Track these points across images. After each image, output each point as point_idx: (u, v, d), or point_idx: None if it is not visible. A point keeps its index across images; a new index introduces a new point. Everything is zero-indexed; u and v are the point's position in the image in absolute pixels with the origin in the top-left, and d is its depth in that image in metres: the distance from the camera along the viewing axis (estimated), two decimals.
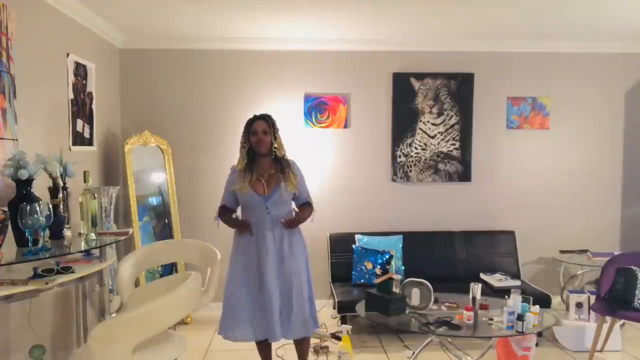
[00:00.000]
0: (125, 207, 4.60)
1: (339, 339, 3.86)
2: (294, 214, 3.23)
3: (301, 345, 3.30)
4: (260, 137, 3.14)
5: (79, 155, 3.75)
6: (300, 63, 4.93)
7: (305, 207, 3.28)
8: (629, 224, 5.20)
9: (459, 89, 5.01)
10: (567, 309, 4.25)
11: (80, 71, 3.91)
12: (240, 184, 3.12)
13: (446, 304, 3.53)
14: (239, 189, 3.12)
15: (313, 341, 3.88)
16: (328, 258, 4.77)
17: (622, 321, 4.09)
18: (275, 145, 3.17)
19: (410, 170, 5.04)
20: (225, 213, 3.27)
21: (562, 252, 4.93)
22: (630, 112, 5.15)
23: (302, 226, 3.27)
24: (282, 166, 3.18)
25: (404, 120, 5.01)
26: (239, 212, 3.31)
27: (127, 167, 4.42)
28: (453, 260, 4.82)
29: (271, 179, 3.15)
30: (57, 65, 3.59)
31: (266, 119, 3.19)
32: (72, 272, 2.52)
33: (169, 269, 4.59)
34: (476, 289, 3.43)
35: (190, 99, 4.91)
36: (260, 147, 3.14)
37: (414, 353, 3.64)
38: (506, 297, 3.31)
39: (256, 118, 3.21)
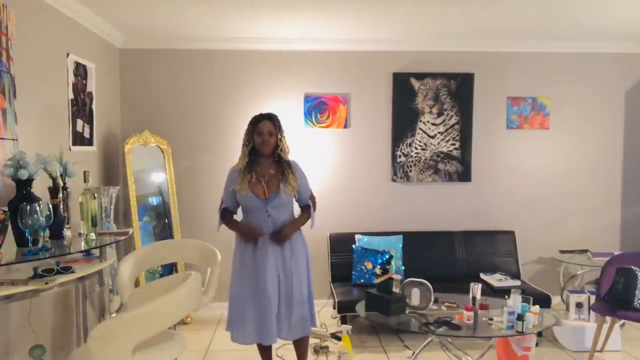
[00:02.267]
0: (125, 207, 4.60)
1: (339, 339, 3.86)
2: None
3: (300, 346, 3.30)
4: (265, 138, 3.10)
5: (79, 155, 3.76)
6: (300, 63, 4.93)
7: (303, 213, 3.27)
8: (629, 224, 5.20)
9: (459, 89, 5.01)
10: (567, 309, 4.25)
11: (80, 71, 3.91)
12: (240, 185, 3.09)
13: (446, 304, 3.53)
14: (239, 189, 3.09)
15: (313, 341, 3.89)
16: (328, 258, 4.77)
17: (622, 321, 4.09)
18: (280, 148, 3.14)
19: (410, 170, 5.04)
20: (227, 217, 3.25)
21: (562, 252, 4.93)
22: (630, 112, 5.15)
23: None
24: (282, 167, 3.15)
25: (404, 120, 5.01)
26: (239, 214, 3.29)
27: (127, 167, 4.42)
28: (453, 260, 4.82)
29: (272, 181, 3.12)
30: (57, 65, 3.59)
31: (272, 119, 3.15)
32: (72, 272, 2.52)
33: (169, 269, 4.59)
34: (476, 289, 3.43)
35: (190, 99, 4.91)
36: (264, 148, 3.11)
37: (414, 353, 3.64)
38: (506, 297, 3.31)
39: (262, 118, 3.16)
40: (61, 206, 2.84)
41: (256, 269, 3.09)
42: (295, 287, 3.13)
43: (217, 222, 3.27)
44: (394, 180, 5.05)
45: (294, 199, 3.22)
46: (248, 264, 3.12)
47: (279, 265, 3.10)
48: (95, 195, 2.92)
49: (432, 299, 3.43)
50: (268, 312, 3.04)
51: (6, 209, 2.48)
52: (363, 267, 4.52)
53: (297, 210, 3.31)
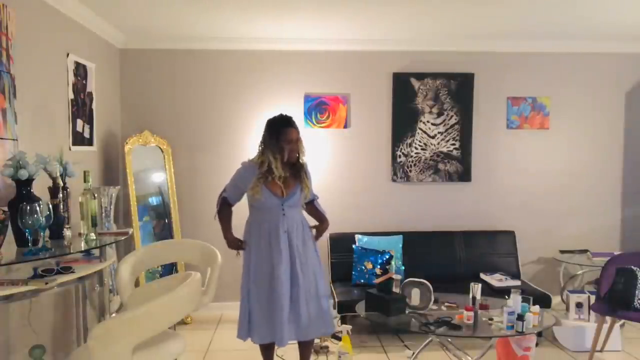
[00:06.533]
0: (125, 207, 4.60)
1: (339, 339, 3.86)
2: (313, 231, 3.28)
3: (305, 346, 3.29)
4: (294, 147, 3.14)
5: (79, 155, 3.75)
6: (300, 63, 4.93)
7: (319, 212, 3.34)
8: (629, 224, 5.20)
9: (459, 89, 5.01)
10: (567, 309, 4.25)
11: (80, 71, 3.91)
12: (253, 190, 3.10)
13: (446, 304, 3.53)
14: (253, 194, 3.11)
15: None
16: (328, 258, 4.76)
17: (622, 321, 4.09)
18: (299, 152, 3.19)
19: (410, 170, 5.04)
20: (224, 211, 3.28)
21: (562, 252, 4.93)
22: (630, 112, 5.15)
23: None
24: (297, 169, 3.19)
25: (404, 120, 5.00)
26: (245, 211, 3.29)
27: (127, 167, 4.42)
28: (453, 260, 4.82)
29: (288, 181, 3.15)
30: (57, 65, 3.59)
31: (295, 125, 3.19)
32: (72, 272, 2.52)
33: (169, 269, 4.59)
34: (476, 289, 3.43)
35: (190, 99, 4.91)
36: (293, 156, 3.15)
37: (414, 353, 3.64)
38: (506, 297, 3.32)
39: (286, 124, 3.15)
40: (61, 206, 2.84)
41: (269, 271, 3.09)
42: (312, 281, 3.14)
43: (215, 210, 3.30)
44: (394, 180, 5.05)
45: None
46: (261, 264, 3.11)
47: (294, 260, 3.09)
48: (95, 195, 2.92)
49: (432, 299, 3.44)
50: (281, 312, 3.03)
51: (6, 209, 2.48)
52: (363, 267, 4.52)
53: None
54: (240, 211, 3.34)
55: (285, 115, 3.23)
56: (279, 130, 3.13)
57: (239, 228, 3.32)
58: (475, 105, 5.04)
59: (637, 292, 3.52)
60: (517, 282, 4.46)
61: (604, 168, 5.16)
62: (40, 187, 2.70)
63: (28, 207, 2.40)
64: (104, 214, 3.76)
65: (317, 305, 3.14)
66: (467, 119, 5.03)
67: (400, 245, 4.72)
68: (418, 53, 4.98)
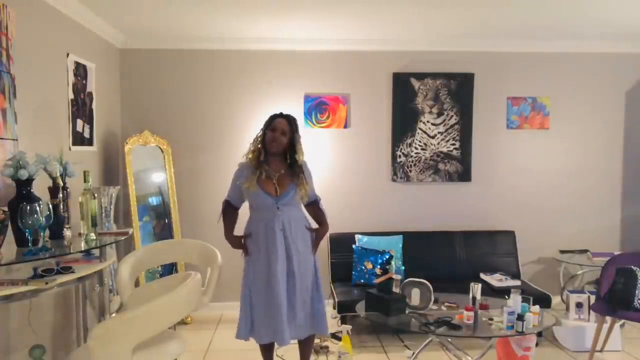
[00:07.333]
0: (125, 207, 4.60)
1: (339, 339, 3.86)
2: (312, 235, 3.23)
3: (304, 345, 3.28)
4: (277, 135, 3.09)
5: (79, 155, 3.76)
6: (300, 63, 4.93)
7: (320, 214, 3.29)
8: (629, 224, 5.20)
9: (459, 89, 5.01)
10: (567, 309, 4.25)
11: (80, 71, 3.91)
12: (248, 182, 3.06)
13: (446, 304, 3.53)
14: (247, 187, 3.07)
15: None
16: (328, 258, 4.76)
17: (622, 321, 4.09)
18: (296, 151, 3.14)
19: (410, 170, 5.04)
20: (228, 213, 3.25)
21: (562, 252, 4.93)
22: (630, 112, 5.15)
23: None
24: (294, 169, 3.14)
25: (404, 120, 5.01)
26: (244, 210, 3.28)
27: (127, 167, 4.42)
28: (453, 260, 4.82)
29: (283, 179, 3.11)
30: (57, 65, 3.59)
31: (289, 120, 3.14)
32: (72, 272, 2.52)
33: (169, 269, 4.59)
34: (476, 289, 3.43)
35: (190, 99, 4.91)
36: (273, 145, 3.09)
37: (414, 353, 3.64)
38: (506, 297, 3.32)
39: (279, 116, 3.15)
40: (61, 206, 2.84)
41: (266, 271, 3.07)
42: (310, 280, 3.13)
43: (219, 214, 3.28)
44: (394, 180, 5.05)
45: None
46: (258, 265, 3.10)
47: (291, 259, 3.07)
48: (95, 195, 2.92)
49: (432, 299, 3.44)
50: (279, 312, 3.01)
51: (6, 209, 2.48)
52: (363, 267, 4.52)
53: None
54: (242, 212, 3.34)
55: (287, 113, 3.21)
56: (269, 120, 3.16)
57: (240, 229, 3.31)
58: (475, 105, 5.03)
59: (637, 292, 3.52)
60: (517, 282, 4.46)
61: (604, 168, 5.16)
62: (40, 187, 2.70)
63: (28, 207, 2.40)
64: (104, 214, 3.77)
65: (314, 305, 3.14)
66: (467, 119, 5.03)
67: (400, 245, 4.72)
68: (418, 53, 4.98)
